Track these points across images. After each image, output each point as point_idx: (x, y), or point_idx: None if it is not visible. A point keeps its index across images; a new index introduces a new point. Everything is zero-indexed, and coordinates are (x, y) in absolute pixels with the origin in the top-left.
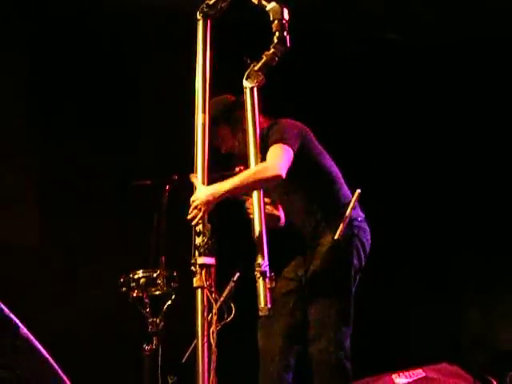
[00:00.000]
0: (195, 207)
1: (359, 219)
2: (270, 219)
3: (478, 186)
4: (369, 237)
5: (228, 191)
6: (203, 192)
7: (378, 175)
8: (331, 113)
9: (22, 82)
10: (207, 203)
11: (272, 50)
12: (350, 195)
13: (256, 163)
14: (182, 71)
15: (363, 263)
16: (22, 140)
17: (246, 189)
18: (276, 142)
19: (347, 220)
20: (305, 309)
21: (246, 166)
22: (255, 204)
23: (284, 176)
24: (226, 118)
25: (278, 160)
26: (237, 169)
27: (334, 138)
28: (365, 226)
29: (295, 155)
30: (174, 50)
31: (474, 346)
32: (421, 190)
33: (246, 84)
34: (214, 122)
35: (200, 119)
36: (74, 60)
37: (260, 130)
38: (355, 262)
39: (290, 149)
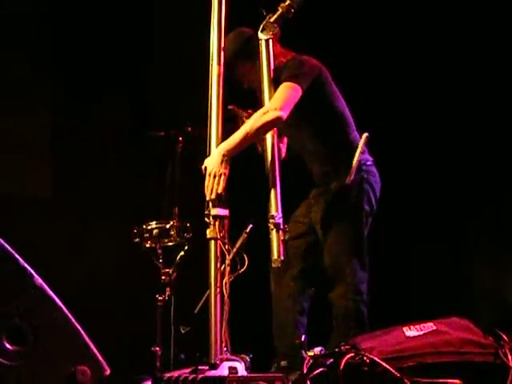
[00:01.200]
0: (209, 175)
1: (368, 163)
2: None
3: (493, 150)
4: (378, 179)
5: (235, 146)
6: (213, 155)
7: (396, 132)
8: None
9: (36, 39)
10: (219, 166)
11: (288, 2)
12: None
13: None
14: (196, 23)
15: (374, 206)
16: (34, 94)
17: (252, 138)
18: (286, 79)
19: (357, 164)
20: (317, 252)
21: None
22: (269, 157)
23: (285, 117)
24: (245, 51)
25: (281, 101)
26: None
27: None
28: (374, 169)
29: (306, 93)
30: (188, 3)
31: (485, 303)
32: (436, 151)
33: (262, 36)
34: (234, 58)
35: (215, 70)
36: (87, 16)
37: (277, 63)
38: (366, 206)
39: (298, 87)
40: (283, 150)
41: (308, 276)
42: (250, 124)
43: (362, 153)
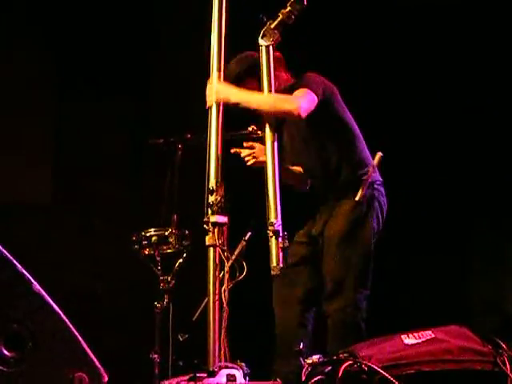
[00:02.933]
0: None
1: (378, 182)
2: (298, 180)
3: (494, 154)
4: (386, 200)
5: (241, 102)
6: (222, 87)
7: (392, 138)
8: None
9: (40, 41)
10: (218, 97)
11: (288, 8)
12: (371, 158)
13: (270, 121)
14: (197, 30)
15: (381, 226)
16: (36, 99)
17: (260, 109)
18: (302, 86)
19: (368, 182)
20: (320, 271)
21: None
22: (269, 164)
23: (304, 116)
24: (253, 71)
25: (302, 100)
26: (249, 128)
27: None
28: (383, 189)
29: (318, 107)
30: (188, 9)
31: (484, 312)
32: (436, 162)
33: (262, 42)
34: (241, 78)
35: (215, 77)
36: (89, 19)
37: (287, 86)
38: (374, 224)
39: (314, 94)
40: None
41: (313, 296)
42: (271, 101)
43: (374, 171)
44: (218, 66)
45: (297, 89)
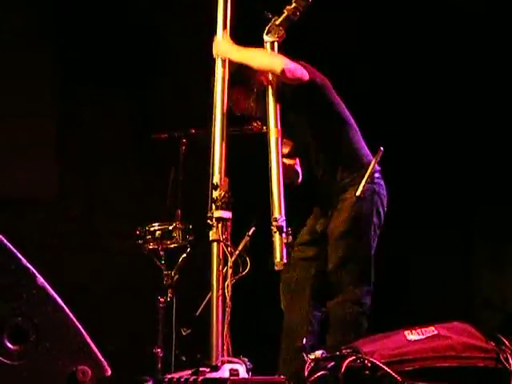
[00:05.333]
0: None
1: (377, 175)
2: (289, 174)
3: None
4: (385, 192)
5: (241, 57)
6: (224, 43)
7: (390, 128)
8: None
9: (43, 32)
10: (220, 52)
11: (294, 5)
12: (369, 152)
13: (275, 118)
14: (202, 24)
15: (382, 220)
16: (39, 94)
17: (251, 63)
18: None
19: (368, 177)
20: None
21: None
22: (273, 160)
23: (286, 75)
24: (240, 79)
25: (290, 63)
26: (254, 124)
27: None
28: (382, 181)
29: (313, 101)
30: (193, 5)
31: (486, 309)
32: (438, 153)
33: (267, 38)
34: (234, 82)
35: (219, 73)
36: (93, 13)
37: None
38: (375, 219)
39: (304, 70)
40: (300, 173)
41: (318, 299)
42: (259, 55)
43: (374, 167)
44: (222, 61)
45: None
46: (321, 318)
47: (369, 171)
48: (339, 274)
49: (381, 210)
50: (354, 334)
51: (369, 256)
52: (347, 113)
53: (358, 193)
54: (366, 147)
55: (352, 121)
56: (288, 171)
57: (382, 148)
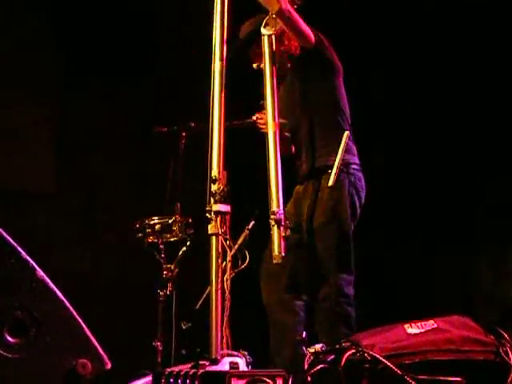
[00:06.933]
0: None
1: (354, 166)
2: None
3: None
4: (364, 185)
5: (292, 13)
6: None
7: (387, 123)
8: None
9: (43, 26)
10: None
11: None
12: (353, 146)
13: (273, 111)
14: (200, 19)
15: (358, 211)
16: (39, 86)
17: (302, 30)
18: None
19: (339, 166)
20: (305, 259)
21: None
22: (271, 153)
23: (313, 41)
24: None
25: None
26: (253, 117)
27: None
28: (360, 174)
29: (318, 80)
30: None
31: (485, 303)
32: (433, 148)
33: (264, 31)
34: (252, 37)
35: (217, 66)
36: (92, 8)
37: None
38: (349, 210)
39: (313, 36)
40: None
41: (300, 284)
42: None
43: (351, 154)
44: (220, 55)
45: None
46: (304, 305)
47: (338, 159)
48: (321, 267)
49: (357, 201)
50: (345, 326)
51: (346, 247)
52: (346, 103)
53: (329, 183)
54: (351, 141)
55: (348, 113)
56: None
57: (347, 132)
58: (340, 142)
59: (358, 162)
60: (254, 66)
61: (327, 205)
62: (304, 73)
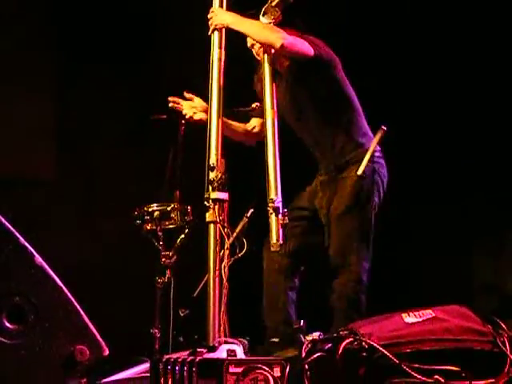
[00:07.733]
0: (211, 18)
1: (377, 154)
2: (242, 135)
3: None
4: (386, 172)
5: (237, 23)
6: (220, 11)
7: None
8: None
9: (42, 17)
10: (216, 20)
11: None
12: (371, 133)
13: (271, 99)
14: (198, 7)
15: (381, 199)
16: (38, 75)
17: (248, 32)
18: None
19: (370, 156)
20: (313, 237)
21: None
22: (269, 141)
23: (285, 47)
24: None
25: (290, 37)
26: (253, 105)
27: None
28: (382, 160)
29: (318, 78)
30: None
31: (484, 293)
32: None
33: (263, 20)
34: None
35: (216, 54)
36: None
37: None
38: (375, 198)
39: (307, 43)
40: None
41: (301, 255)
42: (259, 28)
43: (376, 146)
44: (219, 42)
45: None
46: (295, 288)
47: (371, 150)
48: (340, 253)
49: (381, 189)
50: (356, 313)
51: (368, 234)
52: (353, 92)
53: (359, 171)
54: (368, 128)
55: (357, 101)
56: (242, 134)
57: (383, 127)
58: (356, 133)
59: (379, 149)
60: (248, 44)
61: (352, 193)
62: (306, 74)
